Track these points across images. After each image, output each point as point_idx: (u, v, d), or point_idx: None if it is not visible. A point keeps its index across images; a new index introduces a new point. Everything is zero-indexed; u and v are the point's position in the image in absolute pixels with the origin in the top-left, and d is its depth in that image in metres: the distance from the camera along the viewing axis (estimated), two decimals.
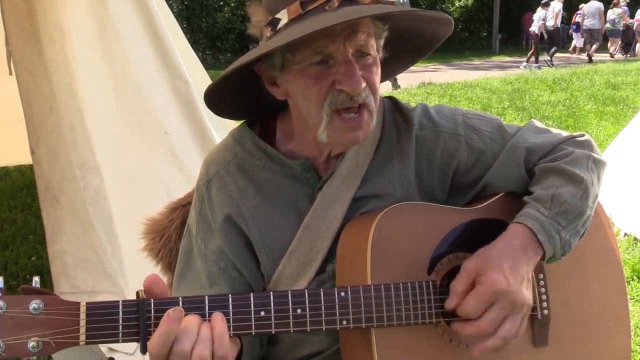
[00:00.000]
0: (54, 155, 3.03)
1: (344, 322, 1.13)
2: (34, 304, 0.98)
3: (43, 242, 3.31)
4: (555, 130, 1.44)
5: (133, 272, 2.96)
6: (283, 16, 1.18)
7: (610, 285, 1.39)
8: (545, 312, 1.29)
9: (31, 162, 3.19)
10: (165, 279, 1.56)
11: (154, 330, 1.02)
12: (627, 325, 1.38)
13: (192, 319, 1.03)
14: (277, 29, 1.19)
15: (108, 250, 2.98)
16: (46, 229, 3.04)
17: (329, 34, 1.14)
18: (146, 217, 1.57)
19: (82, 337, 1.00)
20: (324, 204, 1.31)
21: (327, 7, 1.15)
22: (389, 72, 1.43)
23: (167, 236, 1.52)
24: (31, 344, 0.97)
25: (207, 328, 1.03)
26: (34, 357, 0.98)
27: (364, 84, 1.19)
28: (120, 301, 1.03)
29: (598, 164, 1.35)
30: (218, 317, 1.05)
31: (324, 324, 1.12)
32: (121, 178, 3.24)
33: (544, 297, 1.30)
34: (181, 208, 1.55)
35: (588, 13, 17.21)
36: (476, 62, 20.41)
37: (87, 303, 1.01)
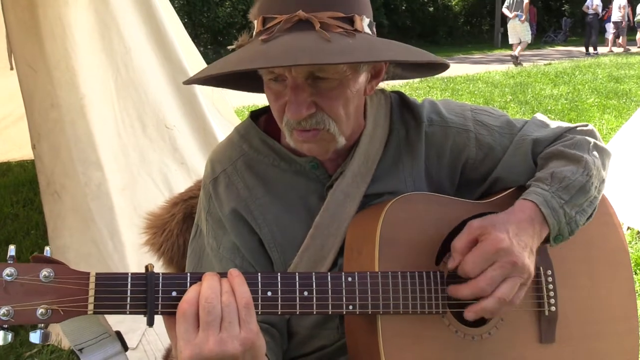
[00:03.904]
0: (56, 151, 3.03)
1: (350, 307, 1.12)
2: (45, 271, 0.99)
3: (45, 237, 3.31)
4: (560, 123, 1.44)
5: (135, 267, 2.96)
6: (256, 25, 1.17)
7: (620, 286, 1.37)
8: (553, 308, 1.28)
9: (33, 157, 3.19)
10: None
11: (161, 304, 1.03)
12: (635, 327, 1.37)
13: (211, 276, 1.03)
14: (250, 39, 1.18)
15: (110, 245, 2.98)
16: (48, 225, 3.05)
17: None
18: (147, 211, 1.57)
19: (90, 307, 1.00)
20: (335, 203, 1.29)
21: (262, 37, 1.09)
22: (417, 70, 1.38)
23: (169, 230, 1.51)
24: (40, 311, 0.98)
25: (225, 281, 1.04)
26: (42, 325, 0.99)
27: (309, 111, 1.15)
28: (130, 273, 1.03)
29: (601, 150, 1.35)
30: (234, 272, 1.05)
31: (330, 307, 1.11)
32: (123, 173, 3.24)
33: (551, 293, 1.29)
34: (183, 202, 1.54)
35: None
36: (478, 55, 20.36)
37: (96, 273, 1.02)
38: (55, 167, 3.04)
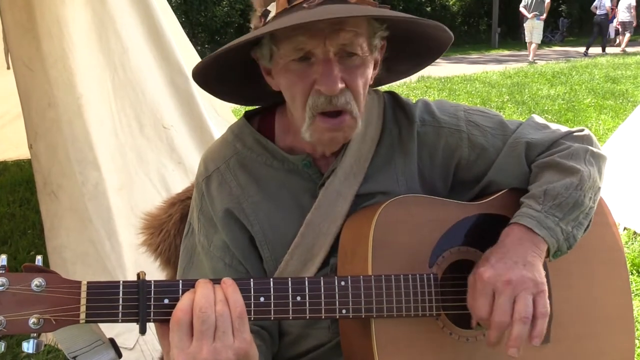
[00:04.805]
0: (53, 150, 3.03)
1: (344, 311, 1.13)
2: (36, 281, 0.99)
3: (42, 237, 3.30)
4: (555, 126, 1.43)
5: (132, 267, 2.96)
6: (273, 8, 1.18)
7: (615, 286, 1.38)
8: None
9: (30, 157, 3.19)
10: (164, 274, 1.56)
11: (153, 312, 1.03)
12: (631, 327, 1.37)
13: (205, 284, 1.04)
14: (267, 21, 1.19)
15: (107, 245, 2.98)
16: (45, 224, 3.04)
17: (308, 30, 1.12)
18: (145, 211, 1.56)
19: (82, 316, 1.01)
20: (327, 201, 1.30)
21: (304, 5, 1.13)
22: (399, 71, 1.42)
23: (166, 231, 1.51)
24: (32, 320, 0.98)
25: (220, 290, 1.05)
26: (35, 334, 1.00)
27: (341, 85, 1.16)
28: (121, 281, 1.04)
29: (597, 158, 1.35)
30: (228, 280, 1.06)
31: (323, 312, 1.12)
32: (120, 173, 3.24)
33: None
34: (180, 203, 1.54)
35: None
36: (475, 55, 20.37)
37: (88, 282, 1.02)
38: (52, 166, 3.03)
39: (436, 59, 1.37)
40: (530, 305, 1.12)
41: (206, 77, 1.31)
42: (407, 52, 1.34)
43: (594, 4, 18.49)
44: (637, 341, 3.00)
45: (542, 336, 1.12)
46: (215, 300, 1.02)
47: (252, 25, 1.26)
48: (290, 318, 1.11)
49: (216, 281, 1.06)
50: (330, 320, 1.31)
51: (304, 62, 1.17)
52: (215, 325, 1.00)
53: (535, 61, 15.39)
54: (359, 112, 1.22)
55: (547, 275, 1.30)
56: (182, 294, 1.04)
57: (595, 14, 18.47)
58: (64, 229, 2.99)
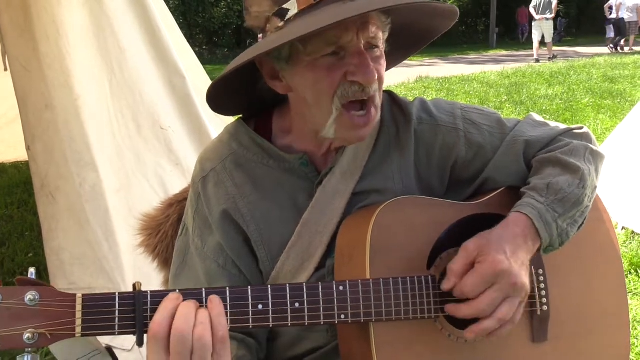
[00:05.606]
0: (50, 152, 3.02)
1: (343, 317, 1.12)
2: (30, 295, 0.97)
3: (40, 238, 3.30)
4: (553, 124, 1.43)
5: (130, 268, 2.95)
6: (292, 6, 1.15)
7: (610, 282, 1.38)
8: (545, 307, 1.29)
9: (27, 159, 3.18)
10: (161, 276, 1.56)
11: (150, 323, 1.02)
12: (626, 322, 1.37)
13: (188, 304, 1.03)
14: (287, 19, 1.16)
15: (105, 247, 2.97)
16: (43, 226, 3.03)
17: (342, 25, 1.11)
18: (142, 213, 1.56)
19: (78, 329, 0.99)
20: (324, 199, 1.30)
21: None
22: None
23: (164, 232, 1.51)
24: (26, 335, 0.96)
25: (204, 311, 1.03)
26: (30, 349, 0.98)
27: (376, 75, 1.18)
28: (117, 293, 1.02)
29: (596, 156, 1.35)
30: (215, 300, 1.05)
31: (322, 318, 1.11)
32: (117, 174, 3.23)
33: (543, 292, 1.29)
34: (177, 204, 1.54)
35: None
36: (473, 56, 20.39)
37: (83, 295, 1.00)
38: (49, 168, 3.02)
39: (424, 47, 1.40)
40: (514, 311, 1.14)
41: (218, 93, 1.29)
42: (396, 43, 1.34)
43: (609, 3, 18.55)
44: (635, 340, 3.00)
45: (495, 337, 1.16)
46: (195, 322, 1.00)
47: (260, 27, 1.22)
48: (290, 325, 1.10)
49: (210, 290, 1.05)
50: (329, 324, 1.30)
51: (334, 56, 1.17)
52: (192, 349, 0.98)
53: (556, 56, 16.14)
54: (380, 102, 1.24)
55: (544, 274, 1.30)
56: (162, 304, 1.02)
57: (609, 14, 18.60)
58: (62, 231, 2.99)
